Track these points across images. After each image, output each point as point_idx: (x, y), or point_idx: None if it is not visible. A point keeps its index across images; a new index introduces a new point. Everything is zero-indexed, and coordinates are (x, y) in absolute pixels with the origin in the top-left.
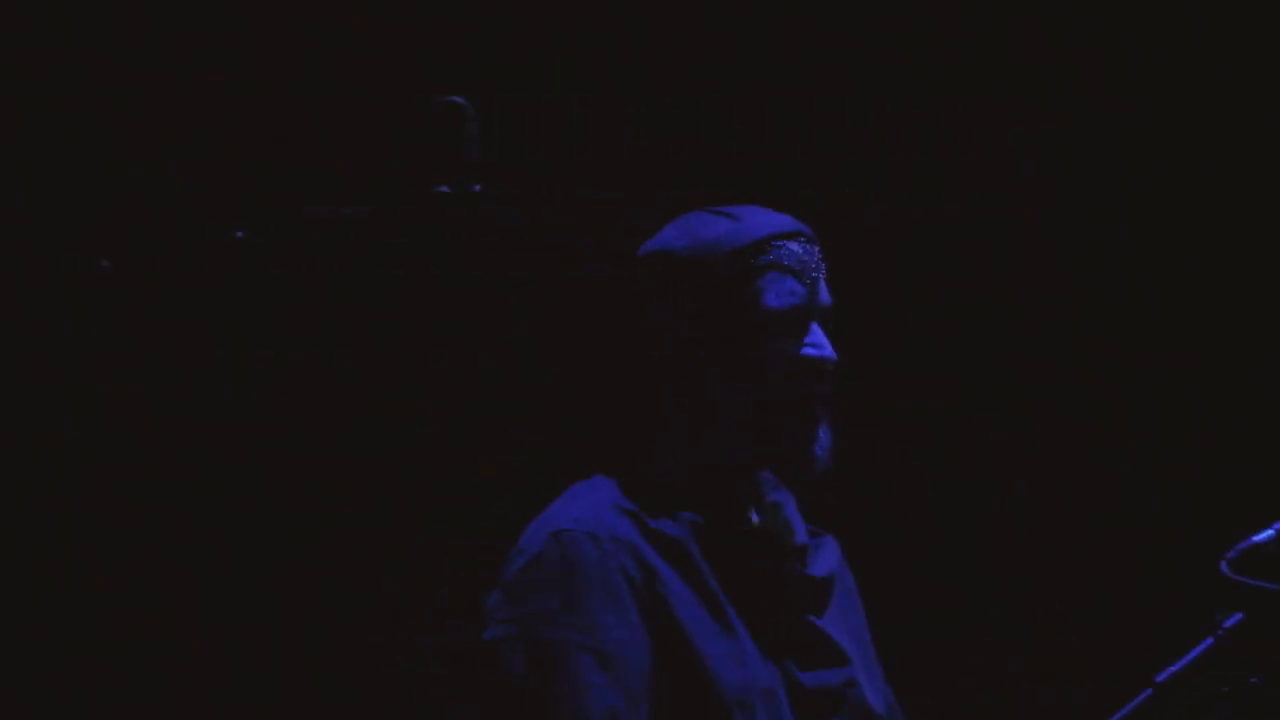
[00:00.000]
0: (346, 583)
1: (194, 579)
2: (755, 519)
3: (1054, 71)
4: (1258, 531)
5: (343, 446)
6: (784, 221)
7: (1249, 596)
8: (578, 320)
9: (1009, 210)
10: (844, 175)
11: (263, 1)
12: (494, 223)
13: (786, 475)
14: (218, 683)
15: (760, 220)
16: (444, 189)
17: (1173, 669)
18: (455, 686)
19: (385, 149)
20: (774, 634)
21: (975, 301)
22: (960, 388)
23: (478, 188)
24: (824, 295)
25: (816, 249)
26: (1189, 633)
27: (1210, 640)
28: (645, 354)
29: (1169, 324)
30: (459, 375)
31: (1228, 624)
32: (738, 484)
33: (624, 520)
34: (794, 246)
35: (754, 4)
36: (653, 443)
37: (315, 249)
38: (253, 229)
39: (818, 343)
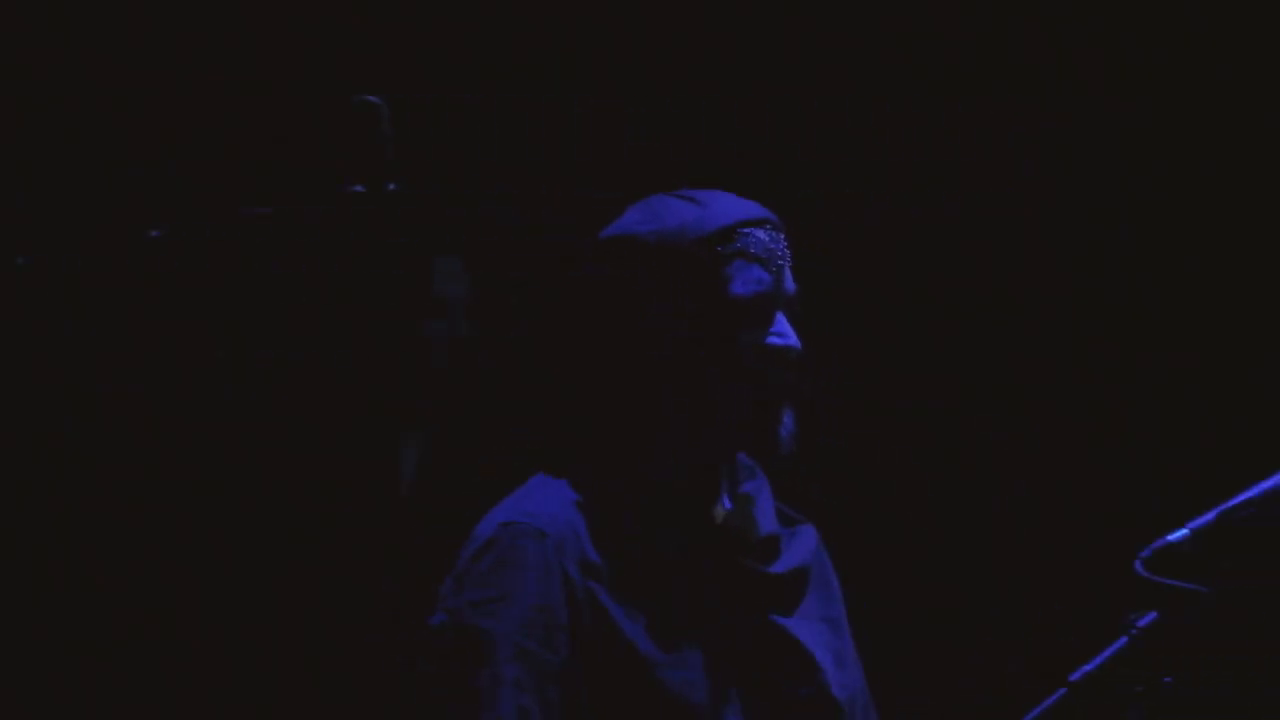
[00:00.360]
0: (346, 583)
1: (194, 579)
2: (728, 506)
3: (1054, 71)
4: (1172, 531)
5: (343, 446)
6: (750, 208)
7: (1163, 596)
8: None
9: (1009, 210)
10: (844, 175)
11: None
12: (494, 223)
13: (756, 458)
14: (218, 683)
15: (726, 206)
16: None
17: (1086, 668)
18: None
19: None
20: (731, 634)
21: (975, 301)
22: (960, 388)
23: (392, 186)
24: (789, 284)
25: (783, 237)
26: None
27: (1124, 640)
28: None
29: (1169, 324)
30: (458, 375)
31: (1141, 623)
32: (717, 474)
33: (578, 516)
34: (760, 234)
35: (754, 4)
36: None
37: (315, 249)
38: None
39: (782, 332)
